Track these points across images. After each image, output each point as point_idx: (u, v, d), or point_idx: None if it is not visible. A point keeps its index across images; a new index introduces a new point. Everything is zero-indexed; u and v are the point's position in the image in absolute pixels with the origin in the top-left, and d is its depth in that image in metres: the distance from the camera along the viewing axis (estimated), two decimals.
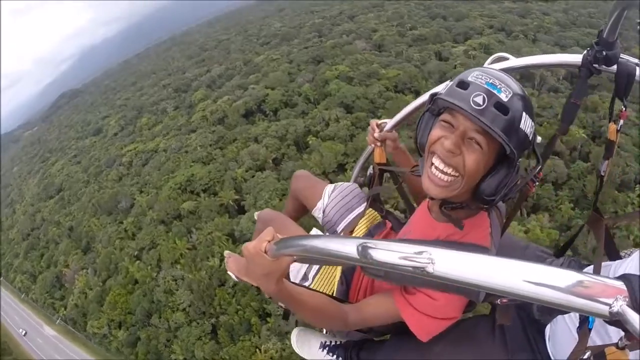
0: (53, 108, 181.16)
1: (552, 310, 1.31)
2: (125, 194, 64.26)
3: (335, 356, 1.84)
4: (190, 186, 57.38)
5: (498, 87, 1.11)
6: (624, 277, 0.51)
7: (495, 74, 1.15)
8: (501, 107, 1.10)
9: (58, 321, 58.89)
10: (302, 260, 1.11)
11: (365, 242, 0.69)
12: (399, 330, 1.44)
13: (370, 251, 0.67)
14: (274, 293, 1.11)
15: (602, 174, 1.47)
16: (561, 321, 1.26)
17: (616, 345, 0.83)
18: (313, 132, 60.05)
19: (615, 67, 1.33)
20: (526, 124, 1.14)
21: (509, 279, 0.54)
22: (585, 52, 1.38)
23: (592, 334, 1.04)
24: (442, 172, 1.20)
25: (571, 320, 1.19)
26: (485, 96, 1.10)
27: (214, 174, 57.34)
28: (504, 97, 1.10)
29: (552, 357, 1.27)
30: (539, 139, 1.22)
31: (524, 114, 1.13)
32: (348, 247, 0.72)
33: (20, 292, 69.97)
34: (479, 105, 1.09)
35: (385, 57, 78.55)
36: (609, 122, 1.40)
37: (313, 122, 61.56)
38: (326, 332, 1.97)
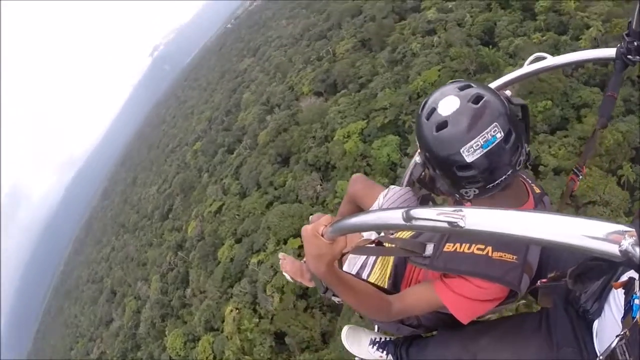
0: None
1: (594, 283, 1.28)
2: None
3: (385, 352, 1.88)
4: None
5: None
6: (633, 222, 0.54)
7: None
8: None
9: None
10: (355, 251, 1.22)
11: (408, 208, 0.78)
12: (447, 325, 1.53)
13: (413, 212, 0.75)
14: (323, 274, 1.18)
15: None
16: (609, 316, 1.25)
17: None
18: None
19: None
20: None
21: (526, 227, 0.60)
22: (618, 45, 1.41)
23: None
24: None
25: (619, 312, 1.17)
26: None
27: None
28: None
29: (598, 353, 1.25)
30: None
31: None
32: (395, 215, 0.79)
33: None
34: None
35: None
36: None
37: None
38: (378, 330, 2.04)
